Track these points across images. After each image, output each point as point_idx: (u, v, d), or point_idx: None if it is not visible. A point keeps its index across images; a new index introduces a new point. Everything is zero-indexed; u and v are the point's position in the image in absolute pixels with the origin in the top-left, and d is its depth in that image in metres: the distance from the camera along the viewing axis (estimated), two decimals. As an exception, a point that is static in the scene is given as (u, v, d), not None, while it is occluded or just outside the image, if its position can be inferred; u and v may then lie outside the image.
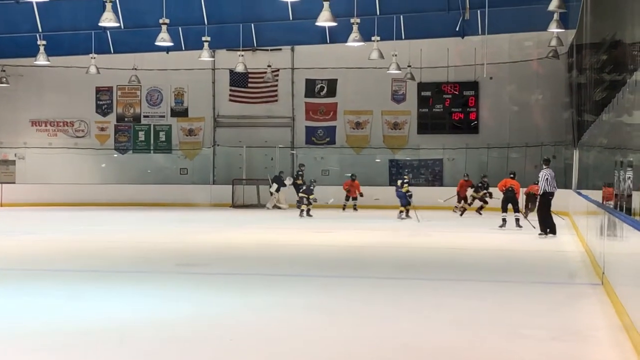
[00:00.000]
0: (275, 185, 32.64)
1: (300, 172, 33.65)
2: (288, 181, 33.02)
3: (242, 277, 12.00)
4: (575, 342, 7.30)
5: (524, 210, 23.68)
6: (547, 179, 19.14)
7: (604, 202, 11.75)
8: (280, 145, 36.26)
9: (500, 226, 21.57)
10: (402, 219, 25.72)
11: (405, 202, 26.04)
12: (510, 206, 21.70)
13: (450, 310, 9.00)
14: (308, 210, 27.20)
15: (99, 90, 37.06)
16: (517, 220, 21.89)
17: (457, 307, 9.19)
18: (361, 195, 30.93)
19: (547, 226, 19.28)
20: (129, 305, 9.14)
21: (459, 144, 34.97)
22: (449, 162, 35.28)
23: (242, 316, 8.63)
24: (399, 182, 26.66)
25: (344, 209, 30.82)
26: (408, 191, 25.91)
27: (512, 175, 23.16)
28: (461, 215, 28.10)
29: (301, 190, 28.75)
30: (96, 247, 16.54)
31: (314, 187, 27.94)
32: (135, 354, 6.78)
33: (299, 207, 27.69)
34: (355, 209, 30.92)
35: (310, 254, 15.44)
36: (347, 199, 31.22)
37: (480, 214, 28.16)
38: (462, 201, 29.04)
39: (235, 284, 11.15)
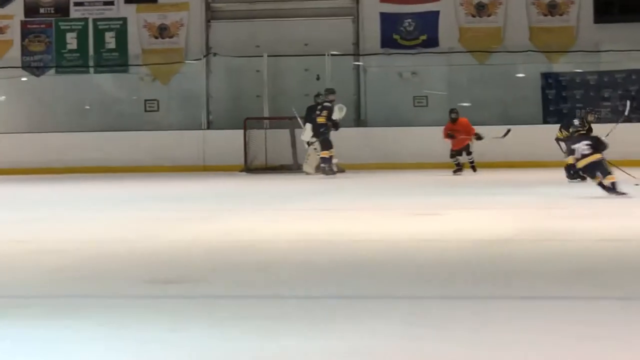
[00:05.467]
0: (309, 131, 22.73)
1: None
2: (339, 113, 22.25)
3: (266, 303, 7.57)
4: None
5: None
6: None
7: None
8: (332, 52, 26.58)
9: None
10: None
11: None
12: None
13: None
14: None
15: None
16: None
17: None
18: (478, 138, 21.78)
19: None
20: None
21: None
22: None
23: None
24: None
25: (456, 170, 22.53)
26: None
27: None
28: None
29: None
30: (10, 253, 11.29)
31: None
32: None
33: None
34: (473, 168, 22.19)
35: (397, 257, 9.96)
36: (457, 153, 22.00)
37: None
38: None
39: (253, 318, 6.93)
